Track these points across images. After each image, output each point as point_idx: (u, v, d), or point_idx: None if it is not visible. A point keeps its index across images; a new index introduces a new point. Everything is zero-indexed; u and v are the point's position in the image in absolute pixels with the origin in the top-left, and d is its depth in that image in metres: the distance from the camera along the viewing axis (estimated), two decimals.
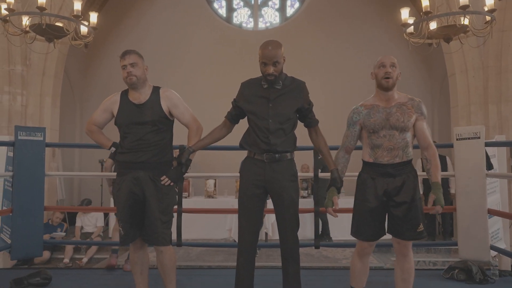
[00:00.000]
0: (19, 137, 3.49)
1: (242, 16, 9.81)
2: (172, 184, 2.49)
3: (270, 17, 9.82)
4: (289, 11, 9.73)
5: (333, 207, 2.36)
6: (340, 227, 6.12)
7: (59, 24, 4.41)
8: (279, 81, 2.36)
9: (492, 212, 3.40)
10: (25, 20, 4.33)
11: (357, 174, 2.50)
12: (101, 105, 2.63)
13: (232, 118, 2.50)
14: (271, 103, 2.35)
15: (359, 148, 2.53)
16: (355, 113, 2.45)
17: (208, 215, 6.15)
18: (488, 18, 4.20)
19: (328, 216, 5.95)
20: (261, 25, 9.76)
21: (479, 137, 3.39)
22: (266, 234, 6.17)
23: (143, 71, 2.51)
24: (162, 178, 2.45)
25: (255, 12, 9.73)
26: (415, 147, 2.48)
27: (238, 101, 2.46)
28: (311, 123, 2.48)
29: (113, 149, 2.55)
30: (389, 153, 2.33)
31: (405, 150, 2.34)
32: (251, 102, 2.39)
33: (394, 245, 2.43)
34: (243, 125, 2.52)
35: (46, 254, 5.88)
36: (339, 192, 2.39)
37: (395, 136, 2.32)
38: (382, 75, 2.34)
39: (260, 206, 2.42)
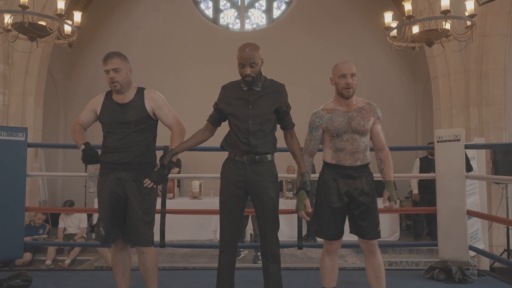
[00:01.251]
0: (0, 137, 3.44)
1: (228, 18, 9.82)
2: (154, 186, 2.49)
3: (256, 18, 9.85)
4: (276, 13, 9.78)
5: (305, 209, 2.41)
6: None
7: (42, 23, 4.37)
8: (257, 83, 2.39)
9: (471, 213, 3.47)
10: (7, 18, 4.27)
11: (317, 175, 2.57)
12: (87, 106, 2.63)
13: (214, 121, 2.53)
14: (250, 105, 2.38)
15: (320, 150, 2.60)
16: (317, 117, 2.51)
17: (193, 217, 6.14)
18: (468, 23, 4.30)
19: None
20: (248, 26, 9.78)
21: (459, 140, 3.46)
22: (251, 235, 6.19)
23: (126, 74, 2.50)
24: (144, 181, 2.45)
25: (242, 13, 9.75)
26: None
27: (219, 104, 2.49)
28: (287, 126, 2.51)
29: (82, 146, 2.51)
30: (352, 156, 2.43)
31: (365, 153, 2.46)
32: (231, 104, 2.42)
33: (362, 245, 2.51)
34: (227, 126, 2.53)
35: (28, 256, 5.80)
36: (308, 195, 2.44)
37: (357, 139, 2.43)
38: (343, 85, 2.43)
39: (240, 206, 2.45)
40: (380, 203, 2.45)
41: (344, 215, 2.48)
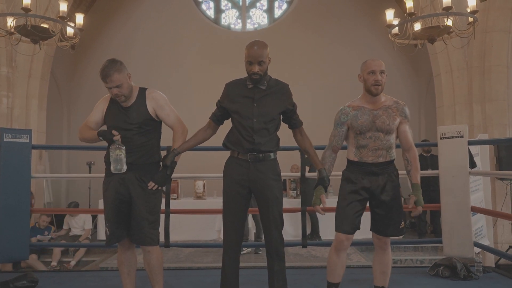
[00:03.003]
0: (5, 139, 3.46)
1: (230, 18, 9.82)
2: (159, 188, 2.50)
3: (258, 18, 9.85)
4: (277, 13, 9.78)
5: (321, 205, 2.42)
6: (330, 226, 6.10)
7: (45, 25, 4.38)
8: (263, 81, 2.38)
9: (475, 210, 3.46)
10: (10, 21, 4.30)
11: (341, 173, 2.56)
12: (95, 107, 2.63)
13: (217, 119, 2.52)
14: (255, 103, 2.37)
15: (344, 148, 2.59)
16: (343, 113, 2.50)
17: (197, 217, 6.15)
18: (471, 19, 4.28)
19: (318, 215, 6.01)
20: (249, 26, 9.78)
21: (462, 136, 3.46)
22: (254, 234, 6.19)
23: (127, 84, 2.48)
24: (148, 184, 2.46)
25: (243, 13, 9.75)
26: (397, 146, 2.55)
27: (222, 101, 2.48)
28: (295, 124, 2.52)
29: (97, 134, 2.45)
30: (374, 153, 2.41)
31: (389, 150, 2.43)
32: (236, 102, 2.41)
33: (374, 240, 2.52)
34: (230, 125, 2.53)
35: (34, 258, 5.82)
36: (326, 191, 2.45)
37: (380, 137, 2.41)
38: (372, 82, 2.40)
39: (244, 205, 2.45)
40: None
41: (362, 211, 2.46)
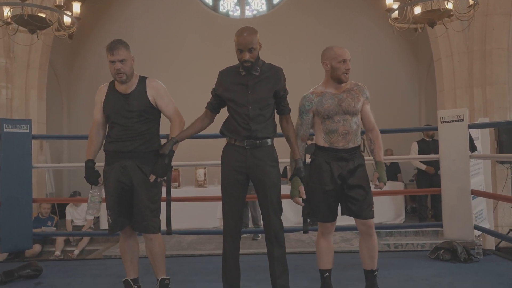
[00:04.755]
0: (5, 130, 3.46)
1: (228, 5, 9.74)
2: (162, 179, 2.52)
3: (256, 5, 9.76)
4: None
5: (299, 196, 2.42)
6: None
7: (42, 14, 4.35)
8: (256, 67, 2.37)
9: (476, 193, 3.47)
10: (7, 11, 4.26)
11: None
12: (95, 101, 2.61)
13: (213, 107, 2.52)
14: (249, 90, 2.37)
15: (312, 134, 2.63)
16: (307, 101, 2.51)
17: (198, 205, 6.17)
18: (471, 2, 4.24)
19: None
20: (248, 13, 9.70)
21: (462, 120, 3.45)
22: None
23: (131, 65, 2.48)
24: (150, 177, 2.47)
25: (242, 0, 9.66)
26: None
27: (217, 89, 2.47)
28: (283, 111, 2.51)
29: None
30: (344, 138, 2.44)
31: (356, 134, 2.48)
32: (230, 90, 2.41)
33: (359, 226, 2.53)
34: (227, 113, 2.53)
35: (37, 247, 5.88)
36: (302, 181, 2.45)
37: (348, 120, 2.44)
38: (343, 70, 2.44)
39: (242, 191, 2.46)
40: (374, 185, 2.48)
41: (337, 197, 2.49)
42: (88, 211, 2.60)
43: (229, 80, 2.42)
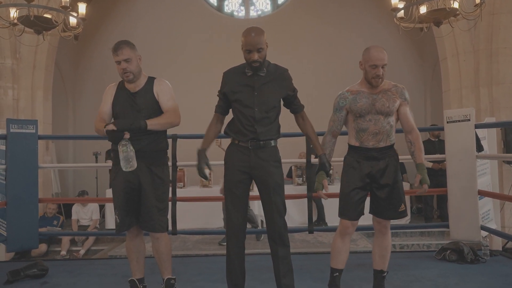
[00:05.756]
0: (11, 130, 3.49)
1: (233, 5, 9.74)
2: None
3: (261, 5, 9.76)
4: None
5: (323, 190, 2.44)
6: (336, 212, 6.16)
7: (48, 15, 4.37)
8: (263, 68, 2.37)
9: (482, 193, 3.44)
10: (13, 12, 4.28)
11: (342, 159, 2.59)
12: (103, 97, 2.62)
13: (222, 110, 2.50)
14: (256, 91, 2.36)
15: (345, 133, 2.61)
16: (341, 98, 2.50)
17: (203, 205, 6.18)
18: (477, 1, 4.21)
19: (323, 201, 6.02)
20: (253, 13, 9.70)
21: (469, 120, 3.42)
22: (262, 221, 6.23)
23: (137, 63, 2.50)
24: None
25: (246, 0, 9.66)
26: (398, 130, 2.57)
27: (222, 90, 2.46)
28: (297, 109, 2.51)
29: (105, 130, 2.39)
30: (374, 137, 2.42)
31: (389, 135, 2.44)
32: (236, 91, 2.39)
33: (374, 224, 2.55)
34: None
35: (43, 247, 5.91)
36: (328, 176, 2.47)
37: (381, 120, 2.41)
38: (373, 75, 2.39)
39: (246, 191, 2.46)
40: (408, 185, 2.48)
41: (365, 196, 2.49)
42: (126, 165, 2.33)
43: (235, 81, 2.41)
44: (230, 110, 2.53)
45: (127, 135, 2.35)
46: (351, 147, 2.51)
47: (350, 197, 2.45)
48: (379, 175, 2.43)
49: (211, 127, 2.52)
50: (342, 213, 2.49)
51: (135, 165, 2.37)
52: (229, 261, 2.46)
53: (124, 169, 2.36)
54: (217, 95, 2.51)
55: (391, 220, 2.53)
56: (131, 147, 2.36)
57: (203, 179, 2.39)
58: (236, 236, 2.44)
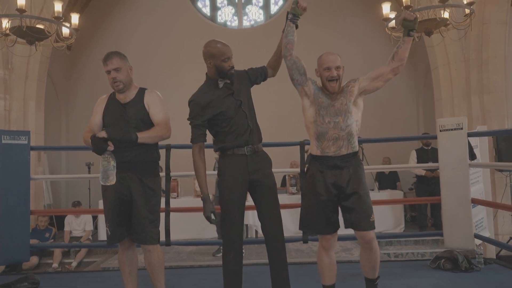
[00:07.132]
0: (3, 141, 3.45)
1: (226, 15, 9.80)
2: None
3: (254, 15, 9.82)
4: (273, 9, 9.75)
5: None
6: None
7: (40, 26, 4.37)
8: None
9: (476, 201, 3.46)
10: (5, 23, 4.28)
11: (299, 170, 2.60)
12: (94, 108, 2.60)
13: (204, 136, 2.46)
14: (235, 97, 2.45)
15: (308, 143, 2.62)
16: (313, 81, 2.53)
17: (197, 215, 6.09)
18: (467, 11, 4.27)
19: None
20: (246, 23, 9.75)
21: (461, 128, 3.45)
22: (257, 232, 6.20)
23: (127, 73, 2.50)
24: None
25: (239, 10, 9.72)
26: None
27: (201, 116, 2.41)
28: (263, 70, 2.64)
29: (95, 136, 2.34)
30: (335, 143, 2.35)
31: (350, 140, 2.36)
32: (218, 106, 2.41)
33: (358, 239, 2.41)
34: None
35: (34, 260, 5.81)
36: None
37: (340, 123, 2.35)
38: (327, 77, 2.41)
39: (244, 201, 2.47)
40: (373, 194, 2.44)
41: (336, 207, 2.41)
42: (103, 180, 2.33)
43: (211, 98, 2.41)
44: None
45: (111, 147, 2.30)
46: (313, 156, 2.44)
47: (317, 211, 2.37)
48: (345, 184, 2.34)
49: (199, 163, 2.42)
50: (308, 227, 2.46)
51: (114, 181, 2.35)
52: (230, 271, 2.41)
53: (101, 183, 2.35)
54: (191, 125, 2.43)
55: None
56: (113, 162, 2.32)
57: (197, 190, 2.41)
58: (236, 250, 2.42)
